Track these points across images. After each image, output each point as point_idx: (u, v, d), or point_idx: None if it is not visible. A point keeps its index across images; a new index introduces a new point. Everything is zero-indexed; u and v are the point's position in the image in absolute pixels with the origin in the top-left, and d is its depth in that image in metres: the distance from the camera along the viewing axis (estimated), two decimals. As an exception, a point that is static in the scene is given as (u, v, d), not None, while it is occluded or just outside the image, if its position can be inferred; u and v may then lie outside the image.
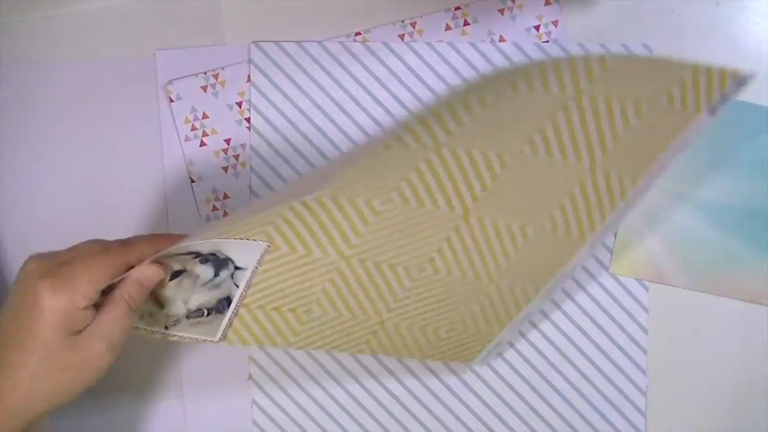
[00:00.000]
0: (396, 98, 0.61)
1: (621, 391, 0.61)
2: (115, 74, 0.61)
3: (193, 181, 0.61)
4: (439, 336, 0.55)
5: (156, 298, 0.50)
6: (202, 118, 0.61)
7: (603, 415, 0.61)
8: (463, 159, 0.48)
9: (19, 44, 0.60)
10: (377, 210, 0.49)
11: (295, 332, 0.52)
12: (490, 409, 0.61)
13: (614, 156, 0.49)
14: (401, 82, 0.61)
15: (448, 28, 0.62)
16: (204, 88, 0.61)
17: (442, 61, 0.61)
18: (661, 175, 0.50)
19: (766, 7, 0.62)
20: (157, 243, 0.48)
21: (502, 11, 0.62)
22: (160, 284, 0.48)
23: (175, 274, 0.50)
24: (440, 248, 0.51)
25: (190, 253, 0.49)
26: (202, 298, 0.50)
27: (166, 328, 0.50)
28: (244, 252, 0.49)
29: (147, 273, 0.47)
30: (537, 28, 0.62)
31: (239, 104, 0.61)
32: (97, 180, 0.61)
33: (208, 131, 0.61)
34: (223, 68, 0.61)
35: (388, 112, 0.61)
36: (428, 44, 0.61)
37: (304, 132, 0.61)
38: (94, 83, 0.61)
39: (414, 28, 0.61)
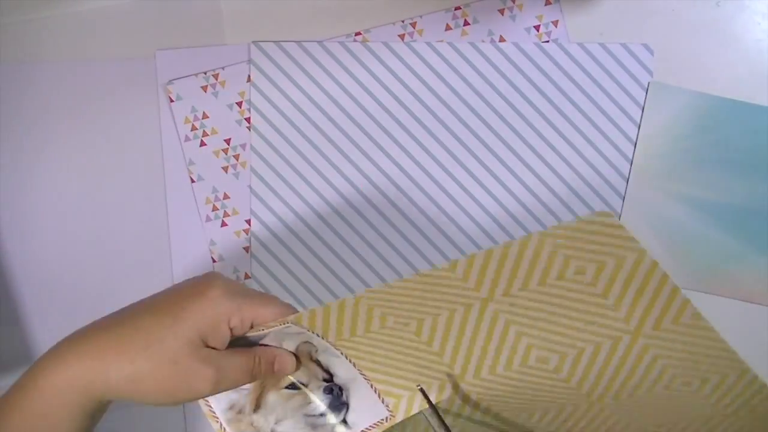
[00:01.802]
0: (396, 98, 0.61)
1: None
2: (115, 74, 0.61)
3: (193, 181, 0.61)
4: None
5: (259, 397, 0.47)
6: (202, 118, 0.61)
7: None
8: None
9: (19, 44, 0.60)
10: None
11: None
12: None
13: None
14: (401, 82, 0.61)
15: (448, 28, 0.61)
16: (204, 88, 0.61)
17: (442, 61, 0.61)
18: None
19: (766, 7, 0.62)
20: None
21: (502, 11, 0.62)
22: (275, 384, 0.47)
23: (294, 386, 0.47)
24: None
25: (325, 370, 0.47)
26: (293, 428, 0.47)
27: None
28: (364, 409, 0.46)
29: (285, 360, 0.46)
30: (537, 28, 0.62)
31: (239, 104, 0.61)
32: (97, 180, 0.61)
33: (208, 131, 0.61)
34: (223, 68, 0.61)
35: (388, 112, 0.61)
36: (428, 44, 0.61)
37: (305, 132, 0.61)
38: (94, 83, 0.61)
39: (414, 28, 0.61)
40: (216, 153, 0.61)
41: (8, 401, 0.42)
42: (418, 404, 0.45)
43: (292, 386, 0.47)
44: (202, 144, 0.61)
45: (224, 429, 0.47)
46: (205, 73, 0.61)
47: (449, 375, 0.46)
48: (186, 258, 0.61)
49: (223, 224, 0.61)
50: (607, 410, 0.48)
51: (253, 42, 0.61)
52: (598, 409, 0.48)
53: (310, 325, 0.44)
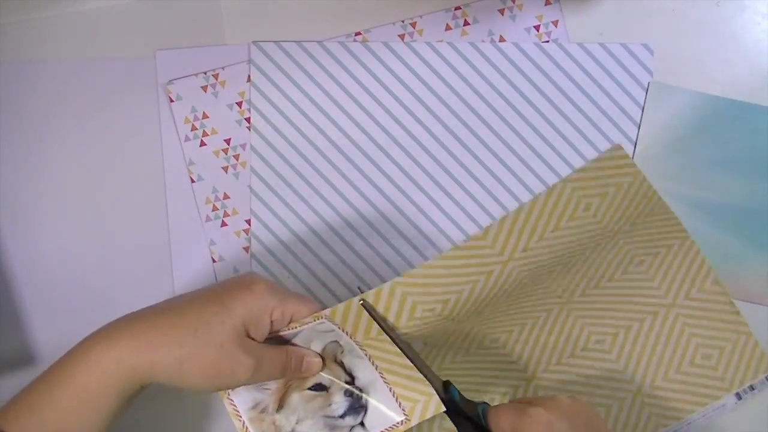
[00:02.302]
0: (396, 98, 0.61)
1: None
2: (115, 74, 0.61)
3: (193, 181, 0.61)
4: None
5: (283, 397, 0.50)
6: (202, 118, 0.61)
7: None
8: None
9: (19, 44, 0.60)
10: None
11: None
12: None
13: None
14: (401, 82, 0.61)
15: (448, 28, 0.61)
16: (204, 88, 0.61)
17: (442, 61, 0.61)
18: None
19: (766, 7, 0.62)
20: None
21: (502, 11, 0.62)
22: (299, 385, 0.50)
23: (316, 387, 0.50)
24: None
25: (348, 373, 0.49)
26: (313, 428, 0.49)
27: None
28: (381, 412, 0.49)
29: (313, 360, 0.49)
30: (537, 28, 0.62)
31: (239, 104, 0.61)
32: (97, 180, 0.61)
33: (208, 131, 0.61)
34: (223, 68, 0.61)
35: (388, 112, 0.61)
36: (428, 44, 0.61)
37: (305, 132, 0.61)
38: (94, 83, 0.61)
39: (414, 28, 0.61)
40: (216, 153, 0.61)
41: (54, 375, 0.43)
42: (434, 408, 0.47)
43: (315, 387, 0.50)
44: (202, 144, 0.61)
45: (246, 428, 0.49)
46: (205, 73, 0.61)
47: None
48: (186, 258, 0.61)
49: (223, 224, 0.61)
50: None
51: (253, 42, 0.61)
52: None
53: (343, 320, 0.47)
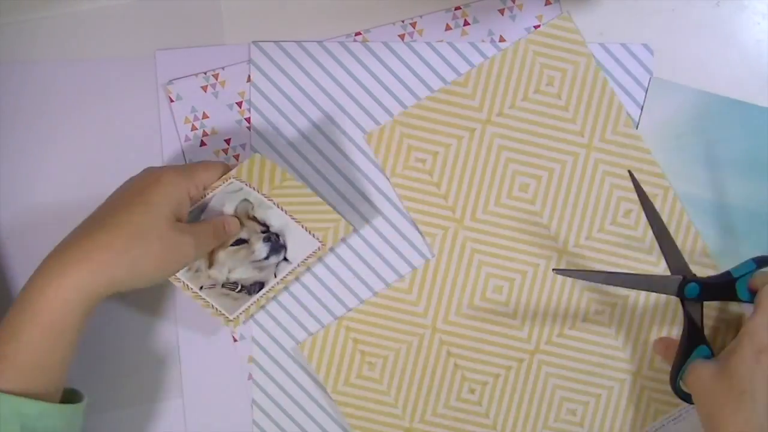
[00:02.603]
0: (396, 98, 0.61)
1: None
2: (115, 74, 0.61)
3: (193, 181, 0.61)
4: None
5: (211, 256, 0.56)
6: (202, 118, 0.61)
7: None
8: None
9: (19, 44, 0.60)
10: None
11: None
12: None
13: None
14: (401, 82, 0.61)
15: (448, 28, 0.62)
16: (204, 88, 0.61)
17: (442, 61, 0.61)
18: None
19: (766, 7, 0.62)
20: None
21: (502, 11, 0.62)
22: (223, 244, 0.56)
23: (238, 242, 0.57)
24: None
25: (262, 224, 0.56)
26: (245, 273, 0.57)
27: (201, 288, 0.56)
28: (299, 245, 0.57)
29: (232, 222, 0.55)
30: (537, 28, 0.62)
31: (239, 104, 0.61)
32: (97, 180, 0.60)
33: (208, 131, 0.61)
34: (223, 68, 0.61)
35: (388, 112, 0.61)
36: (428, 44, 0.61)
37: (304, 132, 0.61)
38: (94, 83, 0.61)
39: (414, 28, 0.61)
40: (216, 153, 0.61)
41: (17, 318, 0.45)
42: (343, 230, 0.57)
43: (237, 243, 0.57)
44: (202, 144, 0.61)
45: (187, 285, 0.56)
46: (205, 73, 0.61)
47: (453, 220, 0.60)
48: (186, 258, 0.61)
49: (223, 224, 0.61)
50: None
51: (253, 42, 0.61)
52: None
53: (248, 176, 0.54)
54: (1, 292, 0.60)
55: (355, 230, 0.60)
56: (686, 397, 0.56)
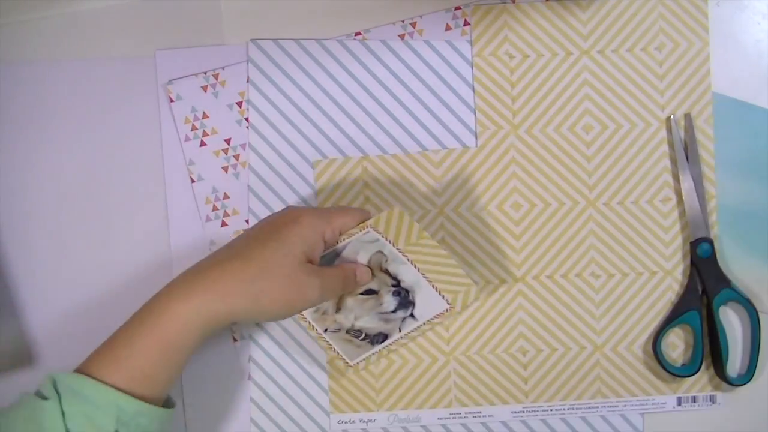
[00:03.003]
0: (396, 98, 0.61)
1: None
2: (115, 74, 0.61)
3: (193, 181, 0.61)
4: None
5: (339, 302, 0.56)
6: (202, 118, 0.61)
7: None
8: None
9: (19, 44, 0.60)
10: None
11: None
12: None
13: None
14: (401, 82, 0.61)
15: (448, 28, 0.61)
16: (204, 88, 0.61)
17: (442, 61, 0.61)
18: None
19: (766, 7, 0.62)
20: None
21: (502, 11, 0.62)
22: (352, 292, 0.56)
23: (367, 292, 0.57)
24: None
25: (393, 278, 0.56)
26: (370, 323, 0.57)
27: (325, 331, 0.57)
28: (428, 304, 0.57)
29: (363, 271, 0.55)
30: (537, 28, 0.62)
31: (239, 104, 0.61)
32: (97, 180, 0.61)
33: (208, 131, 0.61)
34: (223, 68, 0.61)
35: (388, 112, 0.61)
36: (428, 44, 0.61)
37: (304, 131, 0.61)
38: (94, 83, 0.61)
39: (414, 28, 0.61)
40: (216, 153, 0.61)
41: (135, 329, 0.49)
42: (473, 296, 0.56)
43: (366, 292, 0.57)
44: (202, 144, 0.61)
45: (313, 326, 0.57)
46: (205, 73, 0.61)
47: (510, 123, 0.61)
48: (186, 258, 0.60)
49: (223, 224, 0.61)
50: None
51: (252, 40, 0.61)
52: None
53: (386, 227, 0.54)
54: (1, 293, 0.60)
55: (479, 296, 0.60)
56: (663, 361, 0.57)
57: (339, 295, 0.56)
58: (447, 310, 0.57)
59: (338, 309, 0.57)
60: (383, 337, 0.58)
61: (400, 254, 0.55)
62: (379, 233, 0.54)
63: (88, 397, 0.46)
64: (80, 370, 0.48)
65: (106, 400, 0.46)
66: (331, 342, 0.58)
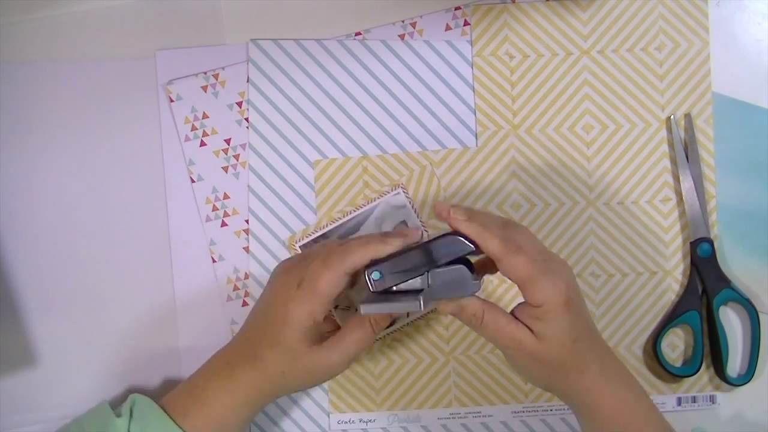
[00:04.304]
0: (396, 98, 0.61)
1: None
2: (115, 74, 0.61)
3: (193, 181, 0.61)
4: None
5: (353, 277, 0.51)
6: (202, 118, 0.61)
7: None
8: None
9: (19, 44, 0.60)
10: None
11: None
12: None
13: None
14: (401, 82, 0.61)
15: (448, 28, 0.61)
16: (204, 88, 0.61)
17: (442, 61, 0.61)
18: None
19: (766, 7, 0.62)
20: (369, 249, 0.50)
21: (502, 11, 0.62)
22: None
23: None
24: None
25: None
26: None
27: (336, 307, 0.57)
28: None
29: (380, 319, 0.52)
30: (537, 28, 0.62)
31: (239, 104, 0.61)
32: (97, 180, 0.61)
33: (208, 131, 0.61)
34: (223, 68, 0.61)
35: (388, 112, 0.61)
36: (428, 44, 0.61)
37: (304, 131, 0.61)
38: (94, 83, 0.61)
39: (414, 28, 0.61)
40: (216, 153, 0.61)
41: (187, 392, 0.52)
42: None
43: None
44: (202, 144, 0.61)
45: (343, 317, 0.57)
46: (205, 73, 0.61)
47: (510, 123, 0.61)
48: (186, 258, 0.61)
49: (223, 224, 0.61)
50: None
51: (251, 40, 0.61)
52: None
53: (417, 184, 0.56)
54: (2, 292, 0.60)
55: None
56: (663, 361, 0.58)
57: (363, 351, 0.53)
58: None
59: (352, 285, 0.53)
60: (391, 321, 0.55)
61: (423, 229, 0.56)
62: (408, 198, 0.56)
63: (153, 426, 0.49)
64: (159, 401, 0.51)
65: (164, 428, 0.49)
66: (338, 321, 0.57)
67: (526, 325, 0.47)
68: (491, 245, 0.46)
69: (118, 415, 0.50)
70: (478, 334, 0.50)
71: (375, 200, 0.55)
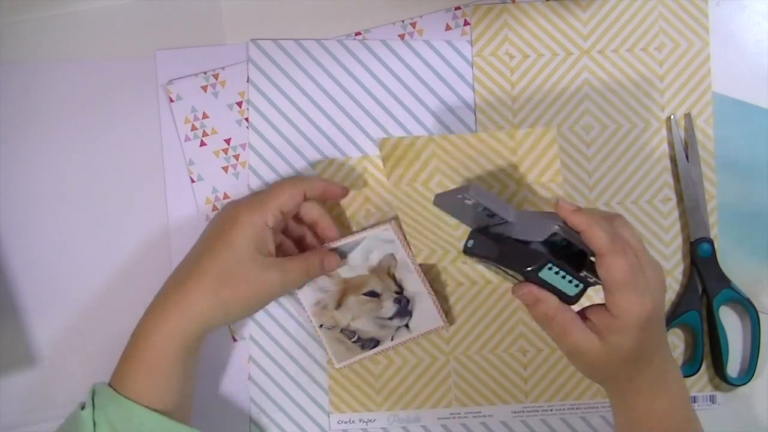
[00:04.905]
0: (396, 98, 0.61)
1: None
2: (115, 74, 0.61)
3: (193, 181, 0.61)
4: None
5: (341, 298, 0.58)
6: (202, 118, 0.61)
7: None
8: None
9: (19, 44, 0.60)
10: None
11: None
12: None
13: None
14: (401, 82, 0.61)
15: (448, 28, 0.62)
16: (204, 88, 0.61)
17: (442, 61, 0.61)
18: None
19: (766, 7, 0.62)
20: (329, 193, 0.56)
21: (502, 11, 0.62)
22: (355, 290, 0.58)
23: (371, 294, 0.58)
24: None
25: (398, 285, 0.58)
26: (365, 326, 0.59)
27: (321, 326, 0.58)
28: (424, 318, 0.58)
29: (331, 259, 0.56)
30: (537, 28, 0.62)
31: (239, 104, 0.61)
32: (97, 180, 0.61)
33: (208, 131, 0.61)
34: (223, 68, 0.61)
35: (388, 112, 0.61)
36: (428, 44, 0.61)
37: (303, 131, 0.61)
38: (94, 83, 0.61)
39: (414, 28, 0.61)
40: (216, 153, 0.61)
41: (127, 362, 0.51)
42: None
43: (369, 294, 0.58)
44: (202, 144, 0.61)
45: (310, 318, 0.58)
46: (205, 73, 0.61)
47: (510, 123, 0.61)
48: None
49: (223, 224, 0.61)
50: None
51: (251, 40, 0.61)
52: None
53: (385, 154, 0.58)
54: (2, 292, 0.60)
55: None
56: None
57: (305, 282, 0.57)
58: (441, 327, 0.59)
59: (339, 305, 0.58)
60: (375, 342, 0.59)
61: (410, 262, 0.57)
62: (397, 233, 0.57)
63: (113, 410, 0.49)
64: (110, 382, 0.52)
65: (124, 411, 0.49)
66: (324, 339, 0.58)
67: (595, 328, 0.47)
68: (597, 240, 0.46)
69: (82, 407, 0.50)
70: (540, 327, 0.51)
71: (365, 231, 0.57)
